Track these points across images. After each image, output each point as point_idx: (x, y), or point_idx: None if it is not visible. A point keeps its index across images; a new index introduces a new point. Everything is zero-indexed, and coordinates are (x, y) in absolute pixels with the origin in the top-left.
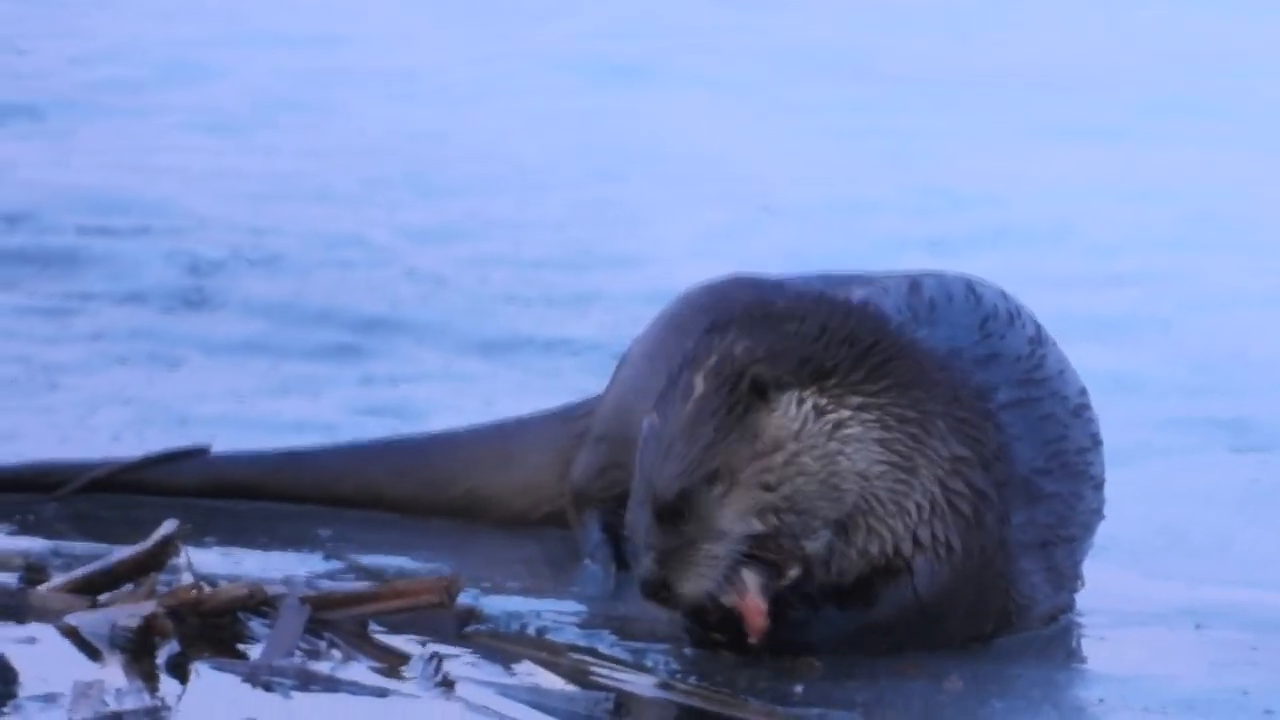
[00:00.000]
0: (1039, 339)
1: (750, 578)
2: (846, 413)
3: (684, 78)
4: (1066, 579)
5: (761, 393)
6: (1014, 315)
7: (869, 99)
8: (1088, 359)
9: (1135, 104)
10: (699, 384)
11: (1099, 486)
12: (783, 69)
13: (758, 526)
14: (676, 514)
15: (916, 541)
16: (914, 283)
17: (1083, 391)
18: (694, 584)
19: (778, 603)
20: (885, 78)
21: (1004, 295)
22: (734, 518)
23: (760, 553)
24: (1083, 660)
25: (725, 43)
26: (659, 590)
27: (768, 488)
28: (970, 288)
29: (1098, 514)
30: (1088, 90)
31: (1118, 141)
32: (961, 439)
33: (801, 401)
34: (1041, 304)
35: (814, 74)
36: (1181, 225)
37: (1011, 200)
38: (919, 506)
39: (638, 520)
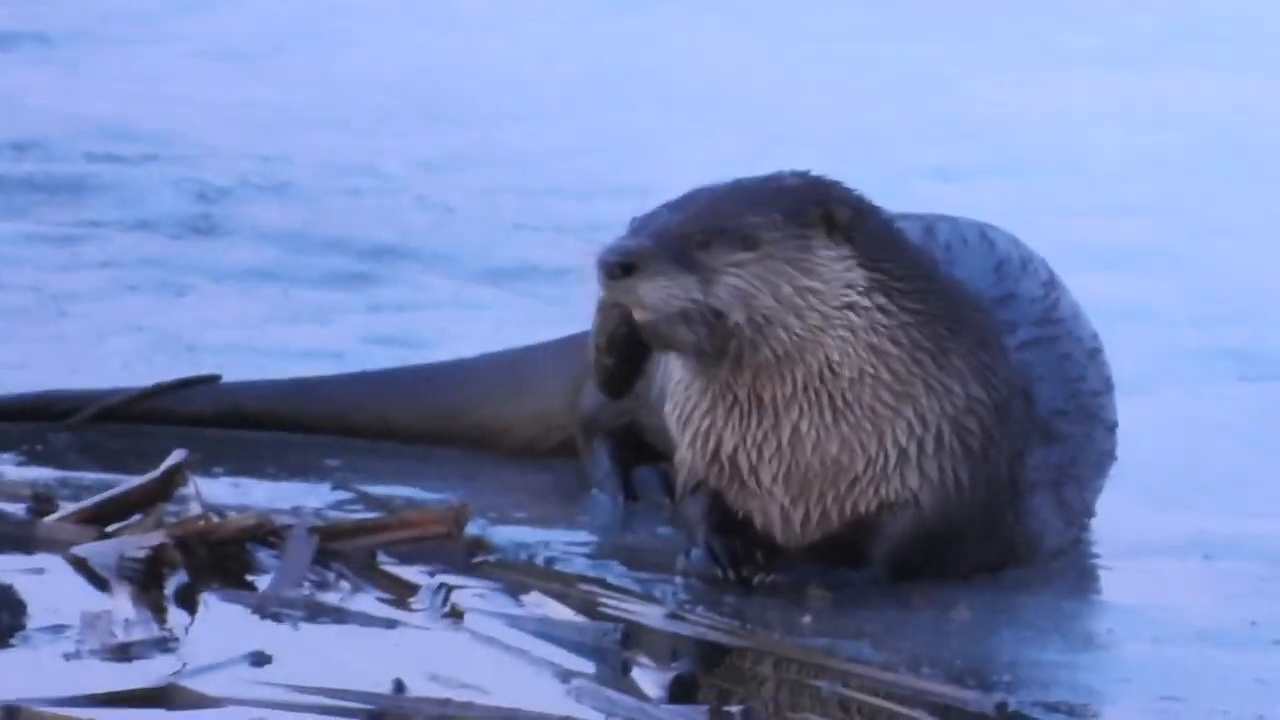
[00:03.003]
0: (1052, 283)
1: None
2: (880, 300)
3: (695, 5)
4: (1076, 515)
5: (830, 227)
6: (1027, 261)
7: (881, 26)
8: (1098, 290)
9: (1147, 30)
10: (787, 179)
11: (1112, 429)
12: None
13: (741, 312)
14: (700, 239)
15: (923, 474)
16: (928, 226)
17: (1095, 335)
18: (657, 292)
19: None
20: (897, 4)
21: (1016, 241)
22: (734, 283)
23: (710, 341)
24: (1091, 590)
25: None
26: (621, 266)
27: (777, 292)
28: (983, 233)
29: (1110, 455)
30: (1100, 17)
31: (1129, 69)
32: (981, 381)
33: (853, 265)
34: (1052, 234)
35: (826, 1)
36: (1194, 153)
37: (1022, 129)
38: (921, 440)
39: (658, 215)
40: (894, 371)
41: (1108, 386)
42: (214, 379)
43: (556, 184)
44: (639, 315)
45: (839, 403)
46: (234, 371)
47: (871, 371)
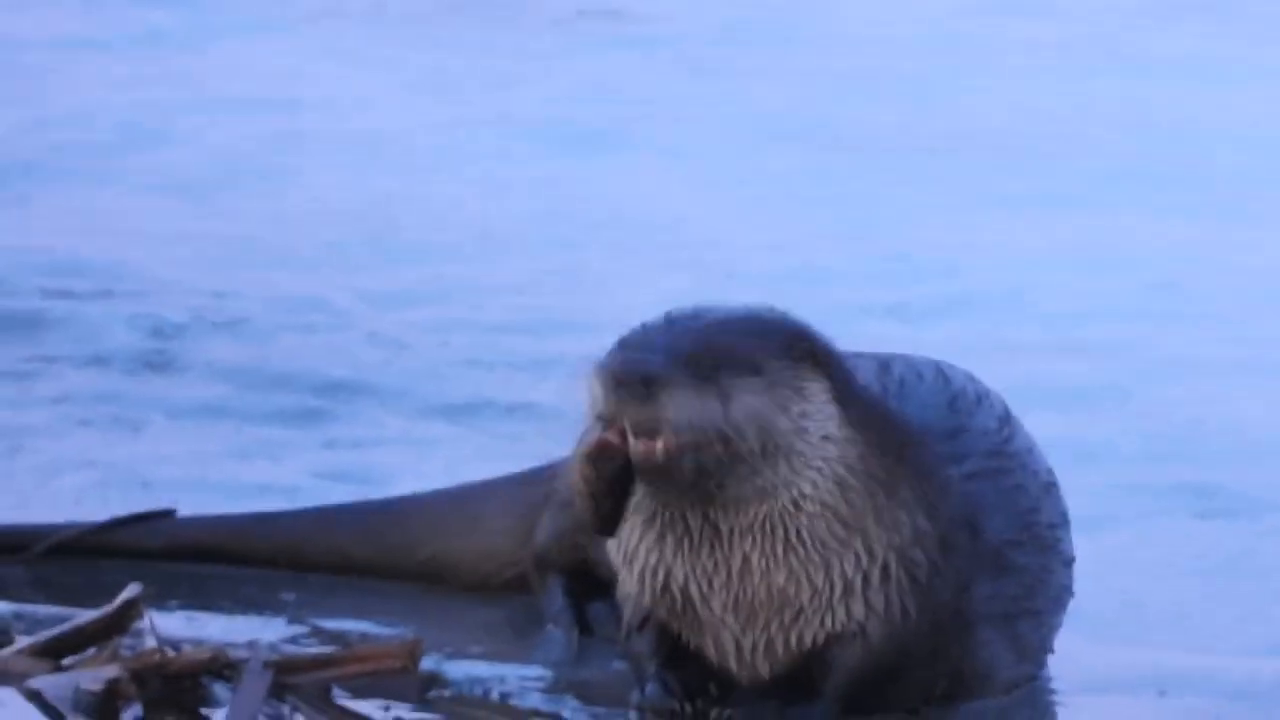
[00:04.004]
0: (1007, 418)
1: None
2: (849, 433)
3: (645, 145)
4: (1031, 651)
5: (815, 364)
6: (982, 396)
7: (829, 166)
8: (1046, 428)
9: (1093, 172)
10: (760, 312)
11: (1069, 563)
12: (743, 137)
13: (756, 439)
14: (710, 362)
15: (869, 606)
16: (883, 363)
17: (1050, 471)
18: (685, 411)
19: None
20: (845, 145)
21: (971, 378)
22: (751, 407)
23: (707, 471)
24: None
25: (686, 111)
26: (644, 383)
27: (784, 420)
28: (939, 369)
29: (1067, 590)
30: (1046, 159)
31: (1076, 210)
32: (926, 512)
33: (830, 399)
34: (1000, 373)
35: (774, 141)
36: (1139, 294)
37: (970, 268)
38: (867, 573)
39: (651, 337)
40: (850, 503)
41: (1064, 521)
42: (168, 514)
43: (508, 320)
44: (649, 446)
45: (792, 536)
46: (188, 506)
47: (831, 504)
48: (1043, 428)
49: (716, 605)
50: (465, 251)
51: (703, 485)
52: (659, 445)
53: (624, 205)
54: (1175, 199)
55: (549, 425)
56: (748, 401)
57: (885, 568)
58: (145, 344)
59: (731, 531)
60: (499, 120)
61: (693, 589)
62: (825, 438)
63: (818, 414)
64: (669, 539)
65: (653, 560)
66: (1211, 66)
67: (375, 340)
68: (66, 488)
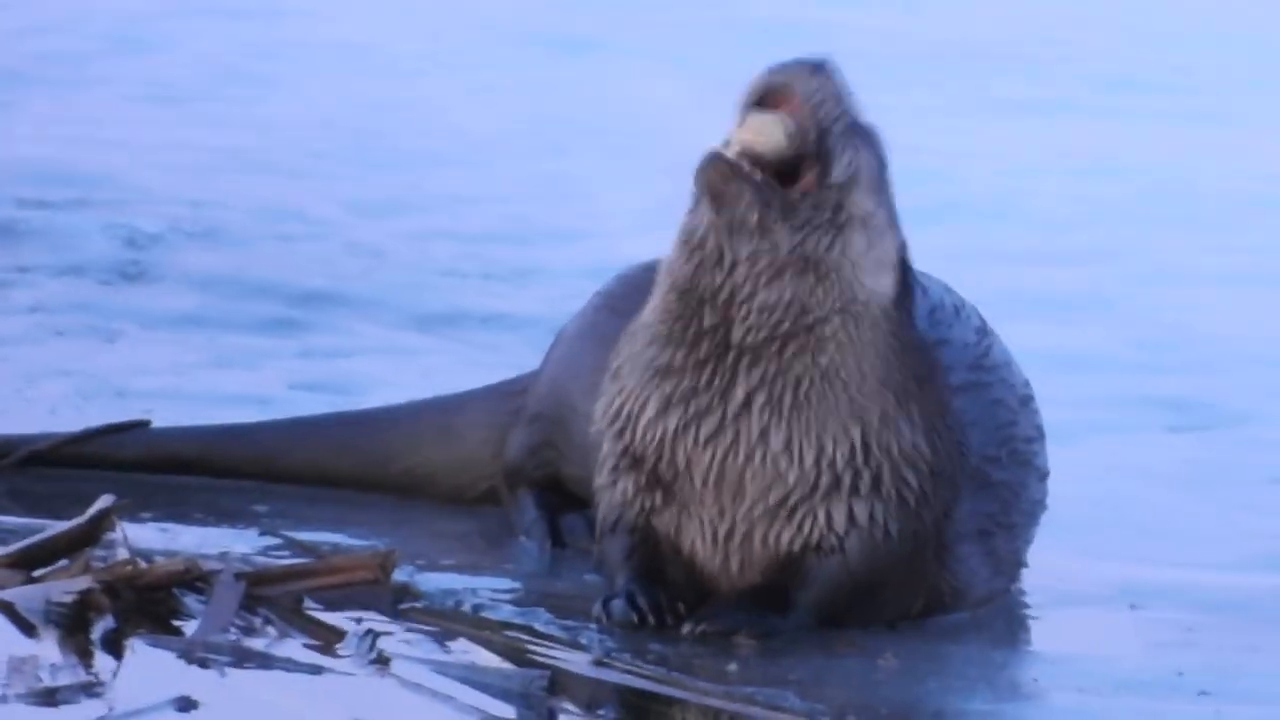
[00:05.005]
0: (984, 329)
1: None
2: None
3: (631, 51)
4: (1006, 565)
5: (902, 256)
6: (959, 307)
7: None
8: (1029, 336)
9: (1086, 79)
10: None
11: (1043, 477)
12: (731, 42)
13: (844, 170)
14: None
15: (852, 518)
16: None
17: (1027, 383)
18: (833, 88)
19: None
20: (835, 51)
21: (948, 289)
22: (870, 166)
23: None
24: (1019, 640)
25: (673, 16)
26: (815, 66)
27: (865, 191)
28: (916, 280)
29: (1041, 504)
30: (1039, 65)
31: (1068, 116)
32: (929, 440)
33: (897, 279)
34: (987, 280)
35: (764, 47)
36: (1130, 201)
37: (960, 175)
38: (858, 474)
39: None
40: (864, 384)
41: (1040, 434)
42: (143, 424)
43: (489, 229)
44: (779, 126)
45: (801, 389)
46: (163, 417)
47: (846, 371)
48: (1026, 336)
49: (698, 476)
50: (448, 159)
51: (765, 217)
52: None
53: (608, 112)
54: (1168, 105)
55: (526, 335)
56: (863, 158)
57: (877, 477)
58: (121, 254)
59: (742, 355)
60: (483, 26)
61: (680, 448)
62: (874, 293)
63: (882, 273)
64: (673, 373)
65: (650, 404)
66: None
67: (354, 250)
68: (41, 397)
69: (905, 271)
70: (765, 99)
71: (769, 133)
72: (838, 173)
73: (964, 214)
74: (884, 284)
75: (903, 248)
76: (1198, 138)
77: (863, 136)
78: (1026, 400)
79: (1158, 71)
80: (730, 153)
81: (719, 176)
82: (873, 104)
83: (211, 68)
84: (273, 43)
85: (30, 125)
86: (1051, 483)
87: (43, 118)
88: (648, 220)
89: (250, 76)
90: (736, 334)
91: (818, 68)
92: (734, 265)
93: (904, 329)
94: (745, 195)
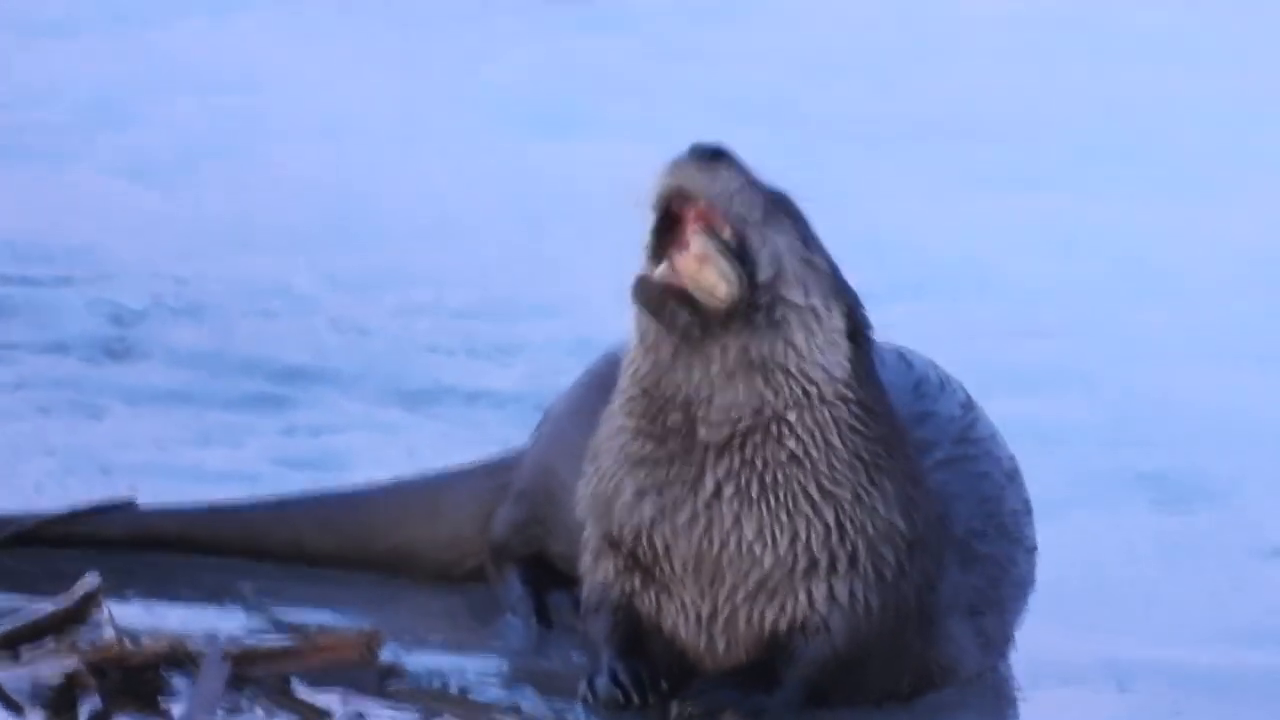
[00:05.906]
0: (970, 404)
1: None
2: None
3: (610, 127)
4: (995, 643)
5: (852, 321)
6: (945, 381)
7: (794, 147)
8: (1010, 412)
9: (1059, 153)
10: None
11: (1031, 551)
12: (708, 117)
13: (772, 276)
14: (772, 199)
15: (833, 597)
16: None
17: (1013, 458)
18: (733, 183)
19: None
20: (811, 126)
21: (933, 364)
22: (783, 245)
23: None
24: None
25: (651, 92)
26: (714, 153)
27: (788, 276)
28: (901, 354)
29: (1030, 579)
30: (1012, 139)
31: (1042, 190)
32: (903, 513)
33: (848, 362)
34: (963, 355)
35: (739, 122)
36: (1104, 275)
37: (934, 250)
38: (834, 555)
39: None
40: (832, 467)
41: (1027, 508)
42: (129, 503)
43: (470, 305)
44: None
45: (768, 477)
46: (148, 493)
47: (813, 455)
48: (1006, 412)
49: (677, 561)
50: (428, 235)
51: (698, 323)
52: (694, 222)
53: (588, 188)
54: (1141, 179)
55: (510, 412)
56: (784, 244)
57: (853, 555)
58: (105, 330)
59: (708, 450)
60: (464, 102)
61: (657, 534)
62: (827, 376)
63: (831, 352)
64: (645, 463)
65: (626, 490)
66: (1179, 45)
67: (336, 325)
68: (26, 475)
69: (857, 331)
70: (672, 203)
71: (707, 284)
72: (763, 274)
73: (940, 289)
74: (836, 361)
75: (850, 310)
76: (1174, 211)
77: (775, 219)
78: (1013, 474)
79: (1132, 145)
80: (658, 276)
81: (653, 302)
82: (848, 178)
83: (189, 141)
84: (250, 116)
85: (9, 199)
86: (1037, 558)
87: (22, 192)
88: (628, 296)
89: (228, 150)
90: (701, 432)
91: (715, 157)
92: (689, 368)
93: (866, 397)
94: (682, 314)
